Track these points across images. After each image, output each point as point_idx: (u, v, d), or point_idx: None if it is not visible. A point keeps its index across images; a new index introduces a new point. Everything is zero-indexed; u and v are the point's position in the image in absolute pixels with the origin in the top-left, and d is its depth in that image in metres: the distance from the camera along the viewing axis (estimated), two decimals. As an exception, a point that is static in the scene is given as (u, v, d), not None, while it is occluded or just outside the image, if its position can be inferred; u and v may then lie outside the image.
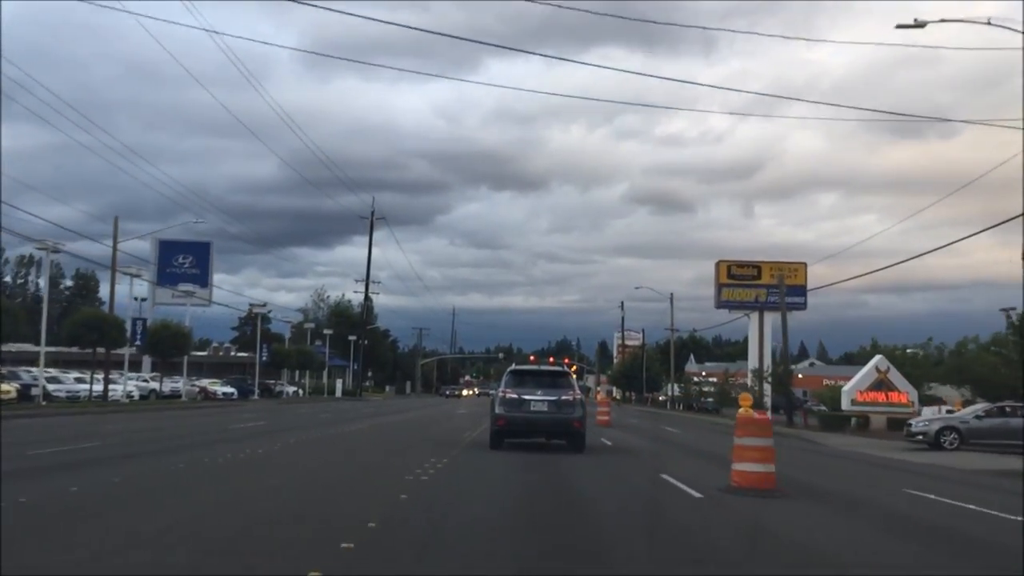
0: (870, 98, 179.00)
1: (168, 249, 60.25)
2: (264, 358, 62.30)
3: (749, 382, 51.84)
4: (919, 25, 21.45)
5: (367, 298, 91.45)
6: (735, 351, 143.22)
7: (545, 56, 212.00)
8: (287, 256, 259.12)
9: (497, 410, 18.84)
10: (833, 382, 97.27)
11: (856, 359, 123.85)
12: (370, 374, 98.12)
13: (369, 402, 68.43)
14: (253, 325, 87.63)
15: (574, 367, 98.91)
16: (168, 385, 48.82)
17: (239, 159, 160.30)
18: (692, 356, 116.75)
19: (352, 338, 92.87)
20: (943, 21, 21.23)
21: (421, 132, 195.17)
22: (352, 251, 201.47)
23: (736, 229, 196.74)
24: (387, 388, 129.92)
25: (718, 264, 54.20)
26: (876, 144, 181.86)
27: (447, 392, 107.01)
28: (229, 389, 56.98)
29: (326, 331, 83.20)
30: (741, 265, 53.75)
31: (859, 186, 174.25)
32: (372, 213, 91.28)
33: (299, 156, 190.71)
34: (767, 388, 50.00)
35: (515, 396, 18.70)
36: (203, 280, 60.47)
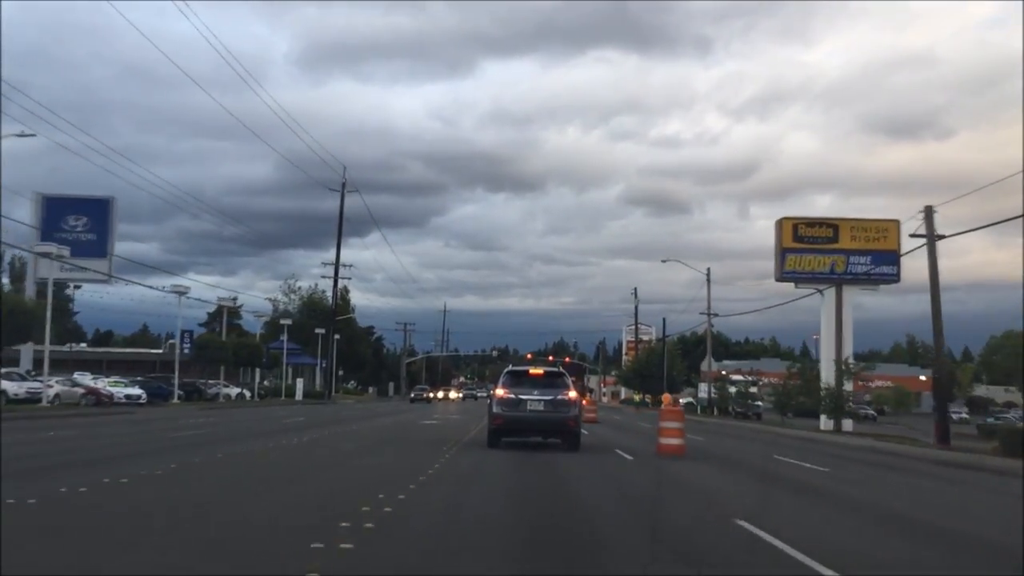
0: (866, 99, 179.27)
1: (55, 208, 46.47)
2: (185, 350, 48.79)
3: (824, 378, 38.47)
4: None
5: (336, 283, 77.92)
6: (755, 348, 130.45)
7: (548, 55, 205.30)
8: (282, 258, 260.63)
9: (495, 409, 19.19)
10: (885, 382, 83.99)
11: (892, 357, 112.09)
12: (342, 373, 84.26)
13: (328, 407, 54.95)
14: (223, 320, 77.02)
15: (575, 366, 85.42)
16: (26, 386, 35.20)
17: (233, 161, 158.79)
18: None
19: (320, 331, 79.35)
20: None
21: (417, 134, 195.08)
22: (348, 253, 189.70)
23: (732, 231, 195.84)
24: (370, 390, 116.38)
25: (781, 223, 40.74)
26: (872, 145, 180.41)
27: (415, 395, 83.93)
28: (135, 391, 43.59)
29: (283, 321, 69.44)
30: (812, 224, 40.37)
31: (855, 187, 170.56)
32: (343, 185, 77.96)
33: (295, 157, 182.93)
34: (847, 386, 36.88)
35: (512, 396, 18.94)
36: (100, 248, 46.69)
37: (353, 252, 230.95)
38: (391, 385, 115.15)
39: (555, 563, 6.94)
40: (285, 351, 71.21)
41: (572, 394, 19.26)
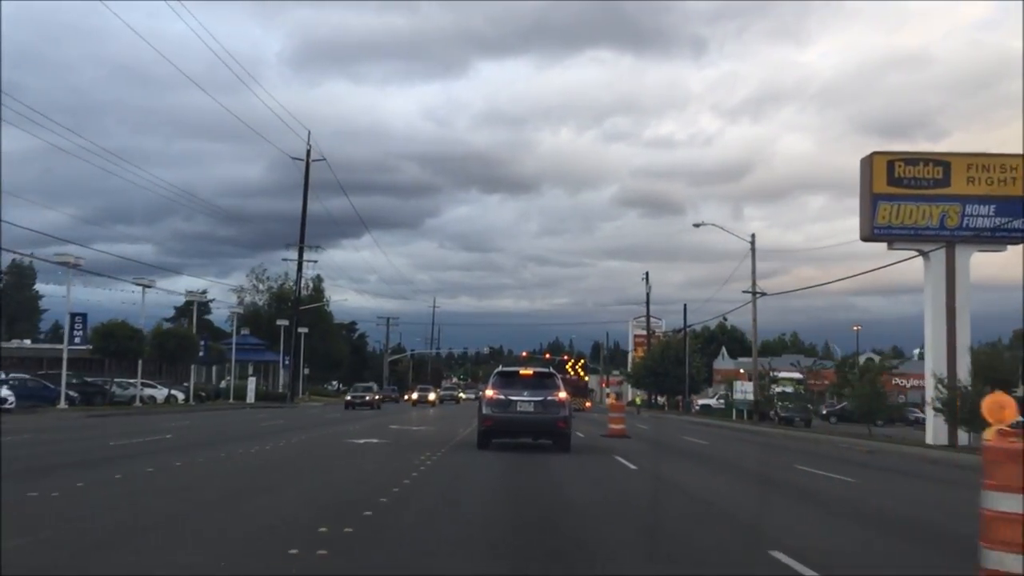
0: (859, 100, 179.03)
1: None
2: (76, 339, 37.65)
3: (929, 373, 27.57)
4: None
5: (301, 267, 66.80)
6: (775, 345, 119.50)
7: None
8: (276, 260, 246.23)
9: (484, 411, 18.96)
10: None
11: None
12: (307, 371, 73.18)
13: (275, 412, 43.88)
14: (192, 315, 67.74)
15: (580, 364, 74.58)
16: None
17: (227, 162, 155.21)
18: (724, 351, 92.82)
19: (282, 323, 68.25)
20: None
21: (410, 134, 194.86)
22: (342, 255, 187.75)
23: (725, 232, 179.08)
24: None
25: (871, 160, 29.20)
26: (865, 146, 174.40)
27: (353, 397, 58.28)
28: (2, 392, 32.67)
29: (234, 310, 58.46)
30: (915, 160, 29.00)
31: (848, 188, 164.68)
32: (308, 153, 66.87)
33: (285, 158, 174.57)
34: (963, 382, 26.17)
35: (502, 397, 18.80)
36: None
37: (348, 254, 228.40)
38: (373, 385, 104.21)
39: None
40: (234, 345, 60.20)
41: (562, 395, 19.02)
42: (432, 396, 70.95)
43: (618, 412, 27.69)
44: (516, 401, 18.68)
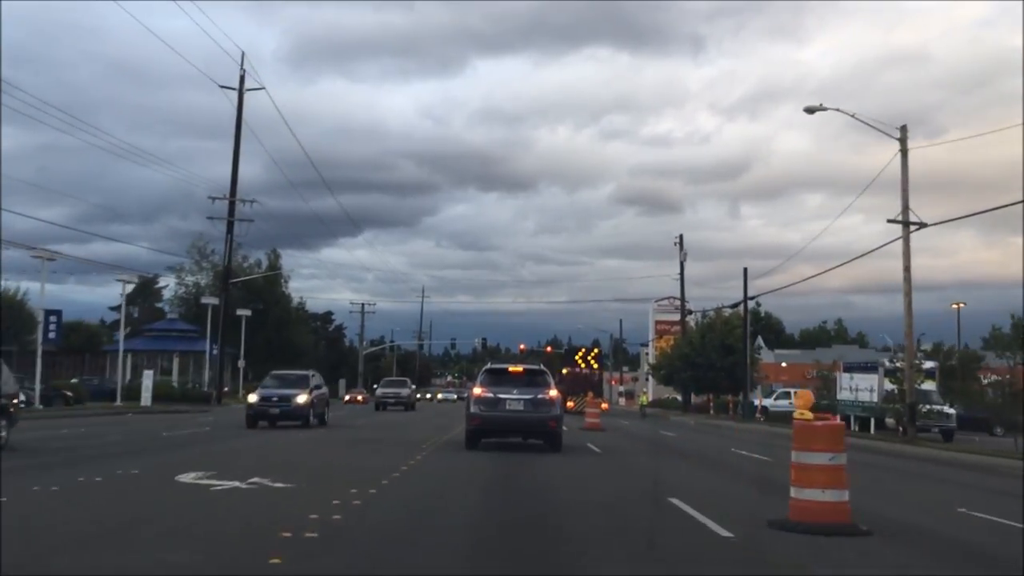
0: (857, 98, 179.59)
1: None
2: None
3: None
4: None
5: (231, 228, 50.87)
6: (819, 335, 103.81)
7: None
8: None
9: (472, 409, 18.25)
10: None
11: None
12: (242, 364, 57.47)
13: (169, 418, 28.49)
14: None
15: (594, 355, 58.67)
16: None
17: (224, 160, 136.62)
18: (761, 341, 77.13)
19: (209, 300, 52.65)
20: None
21: (407, 132, 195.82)
22: (339, 253, 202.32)
23: (723, 230, 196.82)
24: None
25: None
26: (863, 144, 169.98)
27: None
28: None
29: (122, 279, 42.59)
30: None
31: (845, 186, 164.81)
32: (241, 78, 51.03)
33: (285, 157, 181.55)
34: None
35: (490, 395, 18.15)
36: None
37: (345, 253, 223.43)
38: (342, 383, 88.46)
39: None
40: (122, 336, 44.32)
41: (553, 393, 18.50)
42: (405, 392, 52.20)
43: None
44: (505, 399, 18.00)
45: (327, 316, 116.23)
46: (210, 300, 52.06)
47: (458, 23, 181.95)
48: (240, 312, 59.50)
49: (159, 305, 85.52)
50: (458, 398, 79.11)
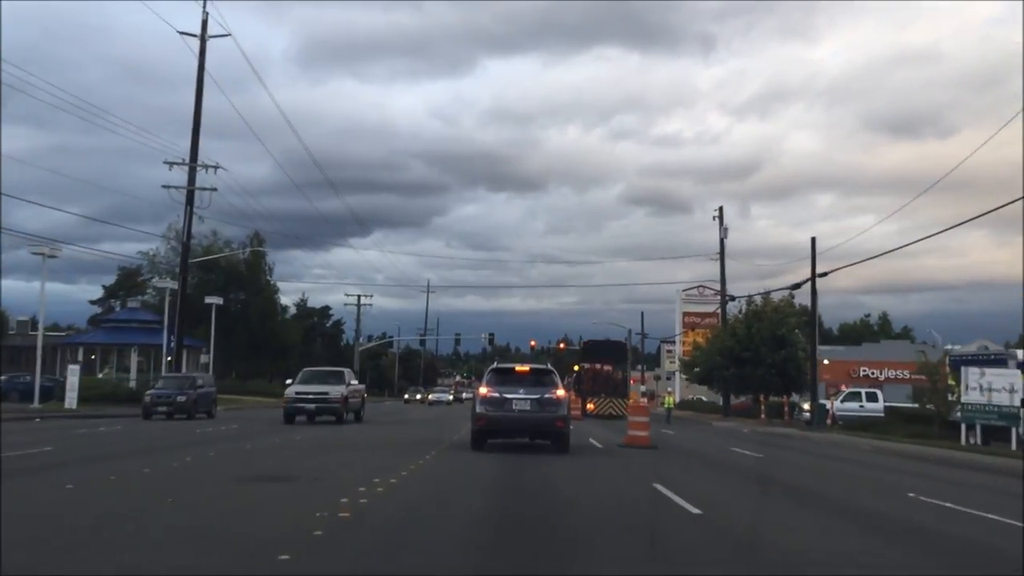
0: (868, 97, 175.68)
1: None
2: None
3: None
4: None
5: (191, 201, 42.82)
6: (861, 330, 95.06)
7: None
8: (281, 259, 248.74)
9: (478, 409, 17.85)
10: None
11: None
12: (205, 360, 49.50)
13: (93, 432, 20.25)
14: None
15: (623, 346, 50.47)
16: None
17: (234, 161, 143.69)
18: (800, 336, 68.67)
19: (167, 283, 44.86)
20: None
21: (417, 132, 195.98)
22: (350, 254, 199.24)
23: (733, 230, 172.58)
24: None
25: None
26: (873, 144, 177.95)
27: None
28: None
29: (36, 251, 34.73)
30: None
31: (856, 186, 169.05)
32: (204, 24, 43.05)
33: (293, 157, 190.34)
34: None
35: (496, 395, 17.73)
36: None
37: (356, 253, 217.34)
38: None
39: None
40: (41, 322, 36.38)
41: (560, 392, 18.05)
42: (336, 392, 28.96)
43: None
44: (512, 399, 17.60)
45: (324, 311, 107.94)
46: (166, 283, 44.11)
47: (467, 23, 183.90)
48: (210, 300, 51.59)
49: (144, 298, 78.08)
50: (455, 399, 70.78)
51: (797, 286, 35.02)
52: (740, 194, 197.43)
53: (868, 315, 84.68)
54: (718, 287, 70.26)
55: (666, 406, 42.54)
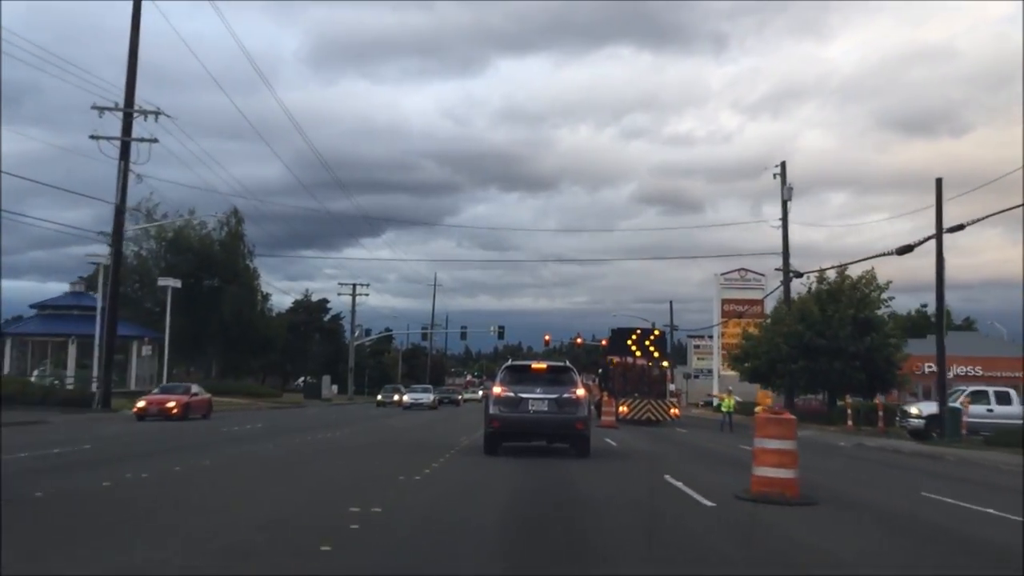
0: (881, 95, 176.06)
1: None
2: None
3: None
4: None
5: (127, 153, 34.23)
6: (917, 320, 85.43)
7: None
8: (293, 260, 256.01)
9: (491, 410, 16.44)
10: None
11: None
12: (148, 350, 40.93)
13: None
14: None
15: (653, 338, 41.35)
16: None
17: (245, 161, 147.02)
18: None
19: (94, 257, 36.42)
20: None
21: (429, 132, 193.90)
22: (362, 254, 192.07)
23: (745, 230, 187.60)
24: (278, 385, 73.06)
25: None
26: (886, 143, 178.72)
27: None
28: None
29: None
30: None
31: (869, 185, 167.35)
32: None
33: (306, 158, 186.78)
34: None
35: (511, 394, 16.32)
36: None
37: (368, 253, 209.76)
38: (326, 379, 72.06)
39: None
40: None
41: (580, 392, 16.53)
42: None
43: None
44: (528, 399, 16.15)
45: (322, 304, 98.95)
46: (97, 256, 35.66)
47: (479, 23, 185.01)
48: (164, 282, 43.14)
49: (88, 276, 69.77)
50: (437, 401, 56.00)
51: (909, 248, 25.88)
52: (753, 193, 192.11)
53: (925, 305, 75.02)
54: (760, 270, 61.47)
55: (725, 409, 33.68)
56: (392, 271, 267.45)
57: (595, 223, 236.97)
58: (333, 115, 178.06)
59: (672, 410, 36.75)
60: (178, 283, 43.96)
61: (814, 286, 37.35)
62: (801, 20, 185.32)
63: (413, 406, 50.33)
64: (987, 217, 22.97)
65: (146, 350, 40.82)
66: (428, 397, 52.89)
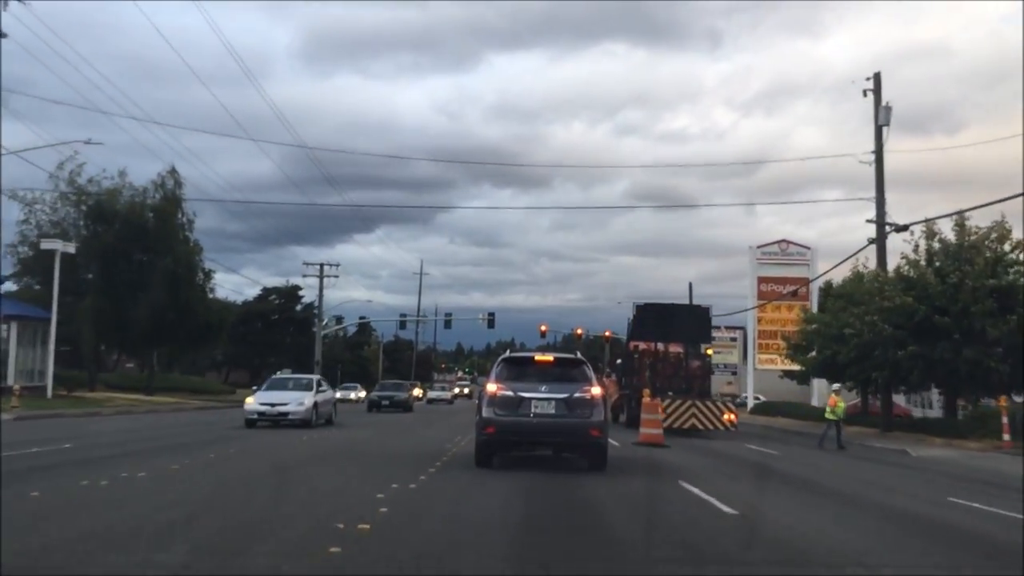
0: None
1: None
2: None
3: None
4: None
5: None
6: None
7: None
8: (286, 255, 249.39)
9: (485, 413, 13.27)
10: None
11: None
12: (4, 333, 30.31)
13: None
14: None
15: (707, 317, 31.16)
16: None
17: (237, 156, 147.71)
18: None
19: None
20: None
21: (422, 128, 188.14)
22: (354, 249, 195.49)
23: (738, 227, 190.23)
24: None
25: None
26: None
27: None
28: None
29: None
30: None
31: (863, 183, 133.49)
32: None
33: (298, 153, 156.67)
34: None
35: (510, 394, 13.27)
36: None
37: (360, 249, 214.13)
38: (284, 373, 61.58)
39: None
40: None
41: (595, 391, 13.35)
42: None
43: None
44: (530, 399, 13.11)
45: (294, 291, 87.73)
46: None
47: (472, 18, 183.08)
48: (48, 246, 32.92)
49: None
50: (387, 402, 42.13)
51: None
52: (746, 190, 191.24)
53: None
54: (802, 244, 51.60)
55: (835, 415, 23.40)
56: (385, 267, 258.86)
57: (589, 219, 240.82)
58: (325, 111, 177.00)
59: (726, 415, 26.62)
60: (71, 247, 33.71)
61: (921, 244, 27.16)
62: (795, 18, 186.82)
63: (384, 404, 40.54)
64: None
65: (4, 330, 30.34)
66: (403, 395, 42.68)
